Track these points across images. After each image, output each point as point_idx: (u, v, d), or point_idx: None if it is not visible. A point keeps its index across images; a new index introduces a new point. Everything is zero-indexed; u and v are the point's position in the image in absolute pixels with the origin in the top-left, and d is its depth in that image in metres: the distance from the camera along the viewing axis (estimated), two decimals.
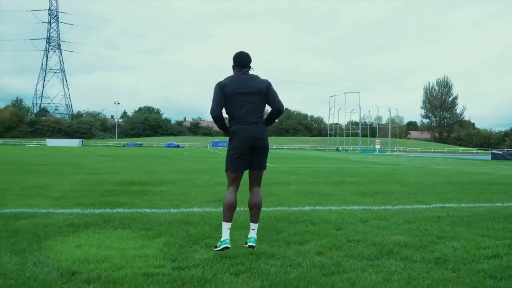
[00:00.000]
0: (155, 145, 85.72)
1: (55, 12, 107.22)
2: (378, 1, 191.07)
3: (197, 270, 3.28)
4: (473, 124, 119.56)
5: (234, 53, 3.80)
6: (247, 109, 3.63)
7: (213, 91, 3.71)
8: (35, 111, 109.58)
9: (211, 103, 3.67)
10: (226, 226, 3.59)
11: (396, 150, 71.54)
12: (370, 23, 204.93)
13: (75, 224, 4.89)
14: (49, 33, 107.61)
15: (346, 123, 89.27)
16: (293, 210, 6.21)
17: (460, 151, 76.54)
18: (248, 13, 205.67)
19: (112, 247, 3.89)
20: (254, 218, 3.74)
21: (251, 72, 3.85)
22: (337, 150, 68.76)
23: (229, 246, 3.52)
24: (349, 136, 77.80)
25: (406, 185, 10.44)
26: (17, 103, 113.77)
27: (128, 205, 6.37)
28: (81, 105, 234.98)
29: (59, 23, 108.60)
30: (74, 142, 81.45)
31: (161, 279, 3.05)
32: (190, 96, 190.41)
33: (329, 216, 5.71)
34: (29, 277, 3.02)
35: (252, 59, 3.83)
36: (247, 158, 3.67)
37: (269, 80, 3.81)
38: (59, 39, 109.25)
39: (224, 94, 3.63)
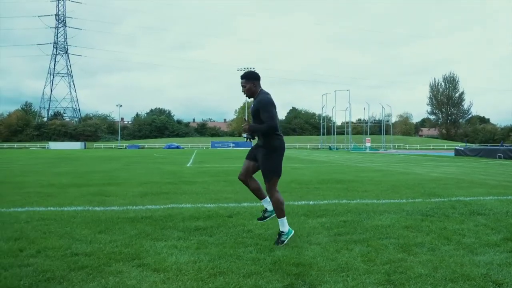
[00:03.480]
0: (157, 146, 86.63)
1: (63, 17, 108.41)
2: None
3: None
4: (488, 119, 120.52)
5: (254, 71, 4.40)
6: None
7: (269, 107, 4.22)
8: (44, 115, 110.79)
9: (272, 118, 4.19)
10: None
11: (391, 148, 71.64)
12: (387, 16, 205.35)
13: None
14: (57, 38, 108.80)
15: (343, 122, 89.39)
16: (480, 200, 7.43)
17: (459, 146, 77.29)
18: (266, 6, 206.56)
19: None
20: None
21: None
22: (330, 148, 69.08)
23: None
24: (343, 134, 77.84)
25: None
26: (26, 107, 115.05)
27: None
28: (98, 108, 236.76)
29: (67, 27, 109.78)
30: (77, 145, 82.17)
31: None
32: (206, 95, 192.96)
33: None
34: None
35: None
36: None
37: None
38: (67, 43, 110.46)
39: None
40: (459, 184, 10.18)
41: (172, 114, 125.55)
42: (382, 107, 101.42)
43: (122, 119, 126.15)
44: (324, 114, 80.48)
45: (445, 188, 9.18)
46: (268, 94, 4.32)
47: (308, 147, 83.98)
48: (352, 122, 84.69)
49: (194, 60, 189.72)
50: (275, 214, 4.55)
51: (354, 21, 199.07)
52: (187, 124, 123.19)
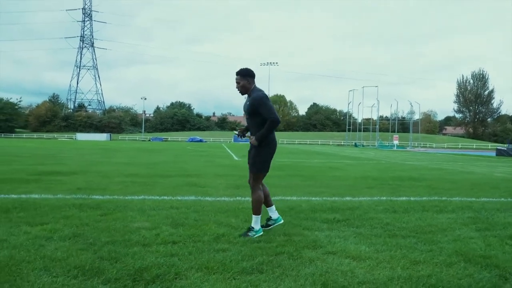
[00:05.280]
0: (180, 139, 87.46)
1: (89, 11, 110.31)
2: None
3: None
4: None
5: (249, 69, 4.38)
6: None
7: (265, 101, 4.21)
8: (70, 107, 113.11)
9: (272, 111, 4.18)
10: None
11: (418, 146, 70.81)
12: (413, 11, 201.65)
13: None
14: (83, 32, 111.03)
15: (374, 118, 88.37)
16: None
17: (489, 147, 76.02)
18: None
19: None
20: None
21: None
22: (355, 145, 68.69)
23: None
24: (369, 131, 77.11)
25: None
26: (54, 99, 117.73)
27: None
28: (118, 100, 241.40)
29: (93, 21, 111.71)
30: (103, 137, 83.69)
31: None
32: (222, 89, 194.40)
33: None
34: None
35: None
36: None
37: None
38: (92, 37, 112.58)
39: None
40: None
41: (193, 108, 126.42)
42: (410, 104, 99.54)
43: (144, 111, 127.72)
44: (346, 110, 79.97)
45: None
46: (261, 91, 4.34)
47: (331, 143, 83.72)
48: (373, 119, 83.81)
49: (214, 54, 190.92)
50: (279, 223, 4.62)
51: (374, 16, 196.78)
52: (208, 118, 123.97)
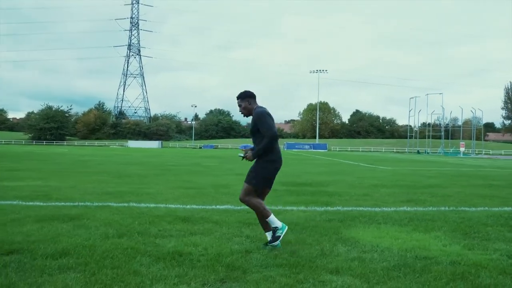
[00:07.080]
0: (230, 147, 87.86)
1: (136, 20, 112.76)
2: None
3: None
4: None
5: (248, 90, 4.39)
6: None
7: (264, 117, 4.17)
8: (117, 115, 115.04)
9: (270, 127, 4.13)
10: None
11: (479, 153, 69.36)
12: (447, 13, 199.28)
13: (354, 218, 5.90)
14: (130, 40, 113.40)
15: (420, 125, 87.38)
16: None
17: None
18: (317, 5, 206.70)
19: (408, 238, 4.69)
20: None
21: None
22: (418, 152, 67.83)
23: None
24: (424, 138, 76.27)
25: None
26: (100, 107, 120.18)
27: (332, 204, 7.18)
28: (156, 108, 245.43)
29: (139, 30, 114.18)
30: (154, 144, 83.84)
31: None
32: (260, 96, 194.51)
33: None
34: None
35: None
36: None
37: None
38: (139, 45, 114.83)
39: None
40: None
41: (231, 115, 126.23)
42: (474, 110, 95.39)
43: (185, 119, 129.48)
44: (390, 117, 79.27)
45: None
46: (263, 107, 4.32)
47: (384, 150, 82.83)
48: (418, 126, 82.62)
49: (245, 60, 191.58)
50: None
51: (406, 20, 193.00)
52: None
